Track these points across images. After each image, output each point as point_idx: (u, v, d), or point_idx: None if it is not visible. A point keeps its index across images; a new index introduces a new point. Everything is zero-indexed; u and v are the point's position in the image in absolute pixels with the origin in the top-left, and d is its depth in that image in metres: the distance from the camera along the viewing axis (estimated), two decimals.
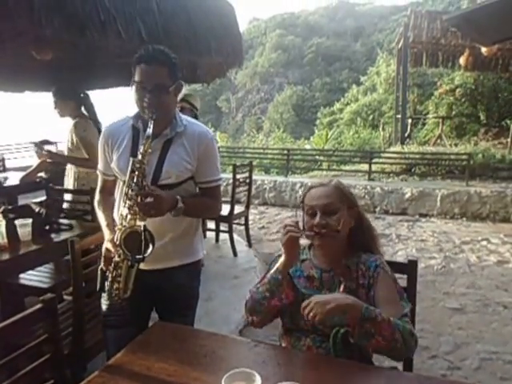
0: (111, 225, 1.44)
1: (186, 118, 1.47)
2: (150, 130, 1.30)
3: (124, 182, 1.41)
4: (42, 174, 4.05)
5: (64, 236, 2.27)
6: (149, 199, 1.27)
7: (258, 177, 6.88)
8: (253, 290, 1.27)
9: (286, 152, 7.85)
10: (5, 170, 5.74)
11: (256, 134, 16.67)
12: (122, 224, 1.29)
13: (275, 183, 6.67)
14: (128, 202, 1.29)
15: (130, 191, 1.29)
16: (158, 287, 1.48)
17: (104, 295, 1.41)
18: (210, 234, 4.13)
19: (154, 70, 1.32)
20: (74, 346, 1.70)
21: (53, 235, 2.30)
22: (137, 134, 1.42)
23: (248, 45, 26.07)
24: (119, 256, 1.29)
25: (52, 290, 2.17)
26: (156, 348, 1.16)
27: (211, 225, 4.03)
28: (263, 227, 5.30)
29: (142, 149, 1.30)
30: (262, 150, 9.69)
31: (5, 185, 3.91)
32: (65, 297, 2.27)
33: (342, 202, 1.26)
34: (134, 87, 1.35)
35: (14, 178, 4.26)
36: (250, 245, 4.28)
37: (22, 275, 2.33)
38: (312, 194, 1.28)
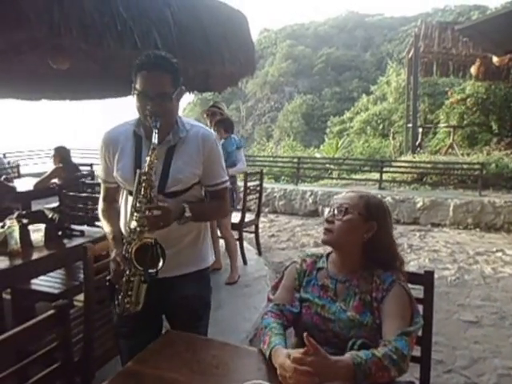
0: (118, 237, 1.40)
1: (187, 121, 1.44)
2: (155, 140, 1.26)
3: (129, 191, 1.38)
4: (55, 181, 4.11)
5: (76, 242, 2.28)
6: (157, 212, 1.24)
7: (268, 185, 6.86)
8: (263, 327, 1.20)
9: (296, 160, 7.85)
10: (19, 176, 5.84)
11: (266, 143, 16.74)
12: (130, 237, 1.26)
13: (285, 191, 6.65)
14: (136, 214, 1.25)
15: (137, 204, 1.25)
16: (168, 297, 1.45)
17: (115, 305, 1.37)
18: (220, 242, 4.11)
19: (157, 78, 1.28)
20: (83, 353, 1.68)
21: (65, 241, 2.32)
22: (139, 141, 1.39)
23: (259, 55, 26.35)
24: (130, 270, 1.26)
25: (63, 296, 2.18)
26: (167, 357, 1.14)
27: None
28: (273, 235, 5.26)
29: (148, 160, 1.26)
30: (272, 158, 9.71)
31: (18, 190, 3.97)
32: (75, 303, 2.27)
33: (359, 210, 1.25)
34: (135, 95, 1.32)
35: (28, 184, 4.33)
36: (260, 253, 4.25)
37: (32, 280, 2.34)
38: (338, 194, 1.35)
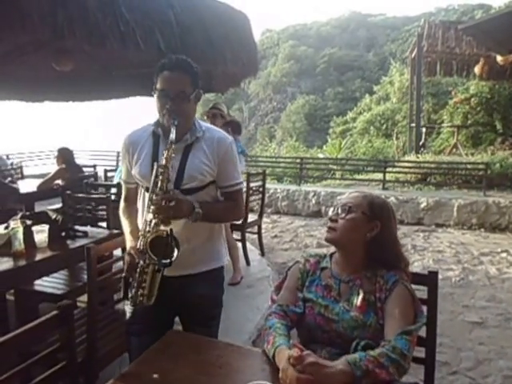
0: (135, 232, 1.43)
1: (204, 125, 1.49)
2: (172, 135, 1.31)
3: (146, 188, 1.42)
4: (58, 182, 4.12)
5: (79, 243, 2.29)
6: (171, 203, 1.28)
7: (270, 185, 6.85)
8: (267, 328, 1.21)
9: (298, 161, 7.83)
10: (23, 177, 5.87)
11: (269, 143, 16.72)
12: (146, 230, 1.29)
13: (288, 192, 6.64)
14: (152, 206, 1.28)
15: (154, 196, 1.29)
16: (181, 295, 1.46)
17: (128, 302, 1.38)
18: None
19: (177, 78, 1.35)
20: (87, 353, 1.68)
21: (68, 242, 2.32)
22: (157, 140, 1.44)
23: (261, 55, 26.30)
24: (144, 261, 1.28)
25: (66, 297, 2.18)
26: (171, 357, 1.14)
27: None
28: (276, 236, 5.26)
29: (165, 153, 1.31)
30: (274, 159, 9.70)
31: (21, 191, 3.99)
32: (78, 304, 2.28)
33: (362, 209, 1.26)
34: (156, 95, 1.38)
35: (31, 185, 4.35)
36: (262, 253, 4.25)
37: (36, 281, 2.34)
38: (342, 194, 1.38)
